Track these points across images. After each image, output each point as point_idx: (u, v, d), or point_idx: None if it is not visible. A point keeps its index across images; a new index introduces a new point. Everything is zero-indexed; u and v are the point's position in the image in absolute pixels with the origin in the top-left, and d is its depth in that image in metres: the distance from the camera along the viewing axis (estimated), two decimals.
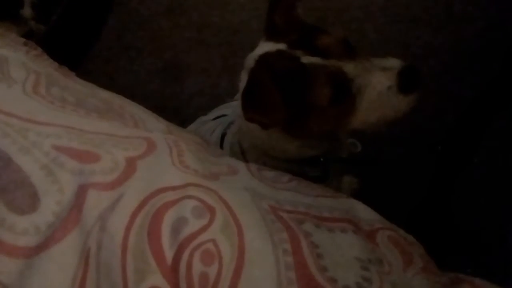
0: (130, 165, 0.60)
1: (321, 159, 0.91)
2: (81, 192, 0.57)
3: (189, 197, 0.57)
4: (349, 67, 0.76)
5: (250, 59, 0.83)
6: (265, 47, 0.82)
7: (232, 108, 1.16)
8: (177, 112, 1.47)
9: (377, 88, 0.76)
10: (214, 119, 1.20)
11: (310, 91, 0.76)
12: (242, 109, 0.77)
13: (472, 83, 1.27)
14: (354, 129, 0.83)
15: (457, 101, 1.26)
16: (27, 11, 1.47)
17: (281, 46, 0.79)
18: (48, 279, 0.53)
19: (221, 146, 1.01)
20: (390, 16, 1.54)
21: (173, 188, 0.58)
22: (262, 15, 0.85)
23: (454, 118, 1.20)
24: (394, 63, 0.76)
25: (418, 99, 0.77)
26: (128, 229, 0.54)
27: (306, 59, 0.77)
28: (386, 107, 0.77)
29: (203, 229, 0.54)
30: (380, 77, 0.76)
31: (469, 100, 1.20)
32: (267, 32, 0.85)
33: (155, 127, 0.71)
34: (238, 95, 0.84)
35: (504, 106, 0.96)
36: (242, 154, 0.94)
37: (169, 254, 0.53)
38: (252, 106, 0.77)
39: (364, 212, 0.65)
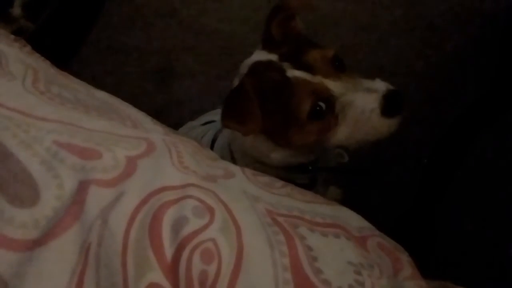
0: (131, 164, 0.61)
1: (309, 167, 0.93)
2: (82, 188, 0.57)
3: (190, 196, 0.58)
4: (334, 85, 0.78)
5: (245, 66, 0.85)
6: (259, 55, 0.84)
7: None
8: (167, 116, 1.47)
9: (360, 109, 0.77)
10: (203, 124, 1.21)
11: (292, 104, 0.78)
12: (221, 116, 0.79)
13: (459, 98, 1.31)
14: (335, 145, 0.85)
15: (444, 115, 1.30)
16: (16, 10, 1.46)
17: (273, 56, 0.82)
18: (47, 273, 0.53)
19: (212, 150, 1.02)
20: (382, 30, 1.58)
21: (174, 188, 0.59)
22: (256, 21, 0.88)
23: (441, 131, 1.23)
24: (380, 86, 0.78)
25: (399, 124, 0.78)
26: (129, 226, 0.55)
27: (290, 73, 0.78)
28: (368, 128, 0.78)
29: (203, 228, 0.55)
30: (364, 98, 0.77)
31: (456, 114, 1.24)
32: (263, 41, 0.87)
33: (153, 128, 0.72)
34: None
35: (491, 121, 1.00)
36: (232, 159, 0.96)
37: (169, 252, 0.54)
38: (229, 114, 0.79)
39: (354, 219, 0.67)
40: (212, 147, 1.03)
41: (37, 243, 0.54)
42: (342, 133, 0.80)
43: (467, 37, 1.48)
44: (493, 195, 0.84)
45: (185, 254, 0.54)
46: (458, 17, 1.53)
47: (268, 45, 0.85)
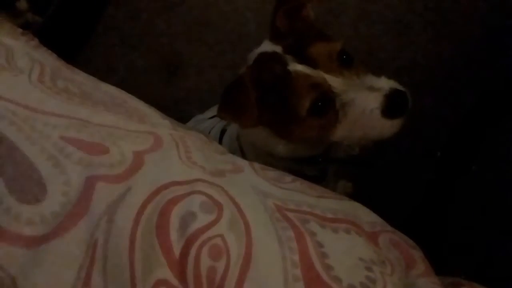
0: (138, 159, 0.60)
1: (319, 159, 0.92)
2: (89, 184, 0.56)
3: (197, 192, 0.57)
4: (336, 81, 0.75)
5: (251, 56, 0.83)
6: (266, 46, 0.83)
7: None
8: (173, 109, 1.46)
9: (360, 108, 0.74)
10: (211, 118, 1.20)
11: (291, 98, 0.76)
12: (218, 107, 0.77)
13: (473, 90, 1.29)
14: (337, 141, 0.82)
15: (458, 107, 1.27)
16: (22, 4, 1.46)
17: (277, 48, 0.80)
18: (54, 269, 0.53)
19: (220, 143, 1.01)
20: (388, 22, 1.56)
21: (181, 183, 0.58)
22: (261, 12, 0.86)
23: (454, 124, 1.21)
24: (384, 84, 0.74)
25: (402, 125, 0.75)
26: (136, 222, 0.54)
27: (292, 66, 0.76)
28: (368, 128, 0.76)
29: (211, 224, 0.54)
30: (366, 97, 0.74)
31: (469, 106, 1.22)
32: (270, 31, 0.85)
33: (160, 122, 0.71)
34: None
35: (504, 114, 0.98)
36: (241, 152, 0.95)
37: (177, 248, 0.53)
38: (226, 106, 0.78)
39: (365, 215, 0.66)
40: (220, 140, 1.03)
41: (44, 239, 0.54)
42: (343, 131, 0.78)
43: (481, 28, 1.45)
44: (508, 189, 0.82)
45: (193, 250, 0.53)
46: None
47: (274, 36, 0.83)
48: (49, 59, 0.83)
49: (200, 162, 0.63)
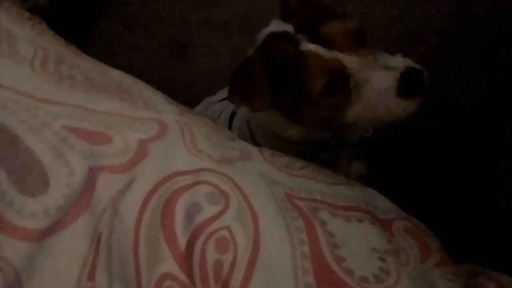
0: (142, 148, 0.58)
1: (332, 143, 0.89)
2: (92, 175, 0.55)
3: (203, 182, 0.55)
4: (350, 61, 0.72)
5: (260, 36, 0.81)
6: (276, 26, 0.80)
7: None
8: (182, 92, 1.45)
9: (375, 88, 0.71)
10: (221, 100, 1.18)
11: (304, 79, 0.73)
12: (228, 90, 0.75)
13: (490, 74, 1.24)
14: (350, 123, 0.80)
15: (476, 89, 1.23)
16: None
17: (289, 27, 0.76)
18: (58, 262, 0.52)
19: (230, 127, 0.99)
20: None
21: (186, 173, 0.56)
22: None
23: (472, 106, 1.17)
24: (399, 63, 0.71)
25: (418, 105, 0.72)
26: (140, 213, 0.53)
27: (305, 46, 0.73)
28: (382, 108, 0.72)
29: (218, 215, 0.53)
30: (380, 77, 0.71)
31: (487, 89, 1.17)
32: (281, 10, 0.82)
33: (166, 108, 0.69)
34: None
35: None
36: (251, 135, 0.93)
37: (182, 241, 0.52)
38: (236, 88, 0.75)
39: (379, 202, 0.64)
40: (230, 123, 1.01)
41: (48, 232, 0.53)
42: (356, 112, 0.75)
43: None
44: None
45: (199, 243, 0.51)
46: None
47: (285, 15, 0.80)
48: (54, 44, 0.81)
49: (206, 150, 0.61)
